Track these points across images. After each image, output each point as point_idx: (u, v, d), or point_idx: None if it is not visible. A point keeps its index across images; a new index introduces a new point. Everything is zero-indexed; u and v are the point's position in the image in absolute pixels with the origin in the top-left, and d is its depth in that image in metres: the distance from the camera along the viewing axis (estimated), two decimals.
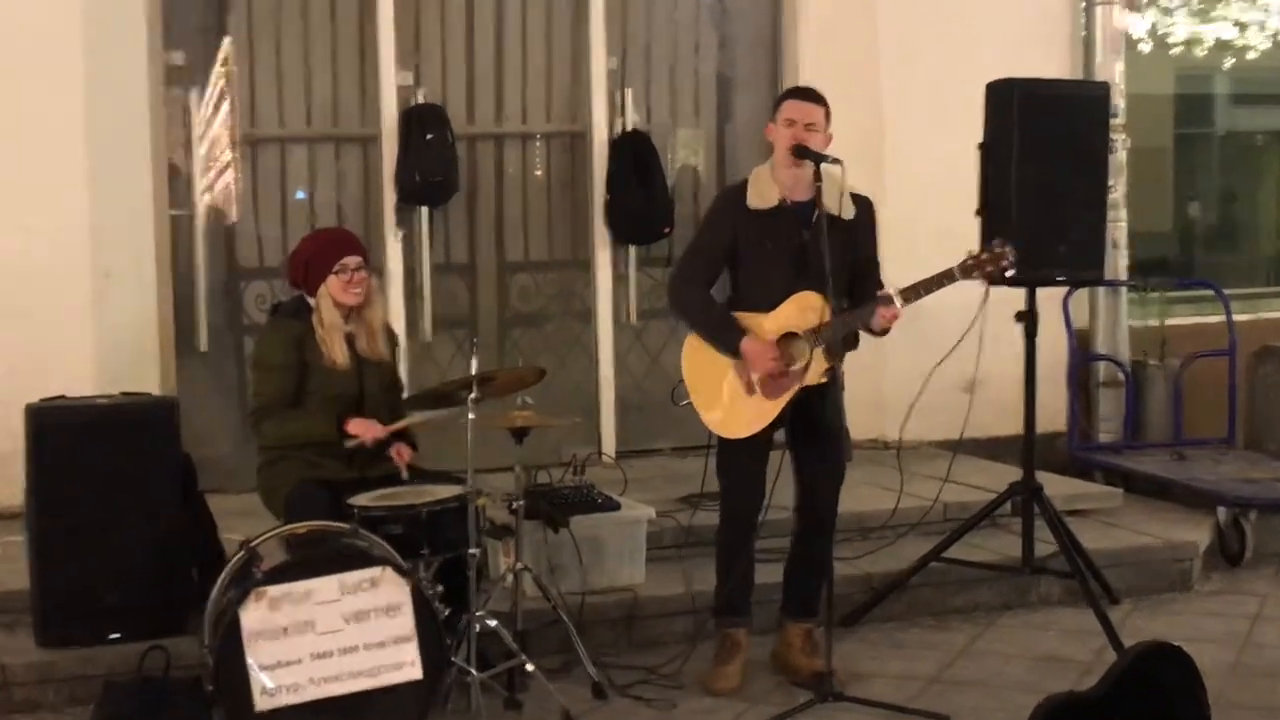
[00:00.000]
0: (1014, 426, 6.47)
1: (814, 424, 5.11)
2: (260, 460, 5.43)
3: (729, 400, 5.18)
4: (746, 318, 5.17)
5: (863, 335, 5.25)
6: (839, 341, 5.04)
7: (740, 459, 5.25)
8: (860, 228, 5.24)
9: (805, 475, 5.29)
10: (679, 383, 5.29)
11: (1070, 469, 7.97)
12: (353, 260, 5.36)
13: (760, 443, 5.22)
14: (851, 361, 5.19)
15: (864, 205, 5.27)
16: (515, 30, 8.14)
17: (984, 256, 5.08)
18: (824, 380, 5.05)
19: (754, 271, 5.18)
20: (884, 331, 5.13)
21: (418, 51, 7.95)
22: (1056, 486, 7.03)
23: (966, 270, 5.07)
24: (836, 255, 4.98)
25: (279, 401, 5.32)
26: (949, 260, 5.09)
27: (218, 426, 7.49)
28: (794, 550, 5.46)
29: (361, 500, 5.08)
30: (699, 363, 5.25)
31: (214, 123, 7.66)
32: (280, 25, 7.74)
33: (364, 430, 5.27)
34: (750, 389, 5.15)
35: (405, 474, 5.33)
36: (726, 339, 5.15)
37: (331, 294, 5.34)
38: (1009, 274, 5.11)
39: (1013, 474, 6.41)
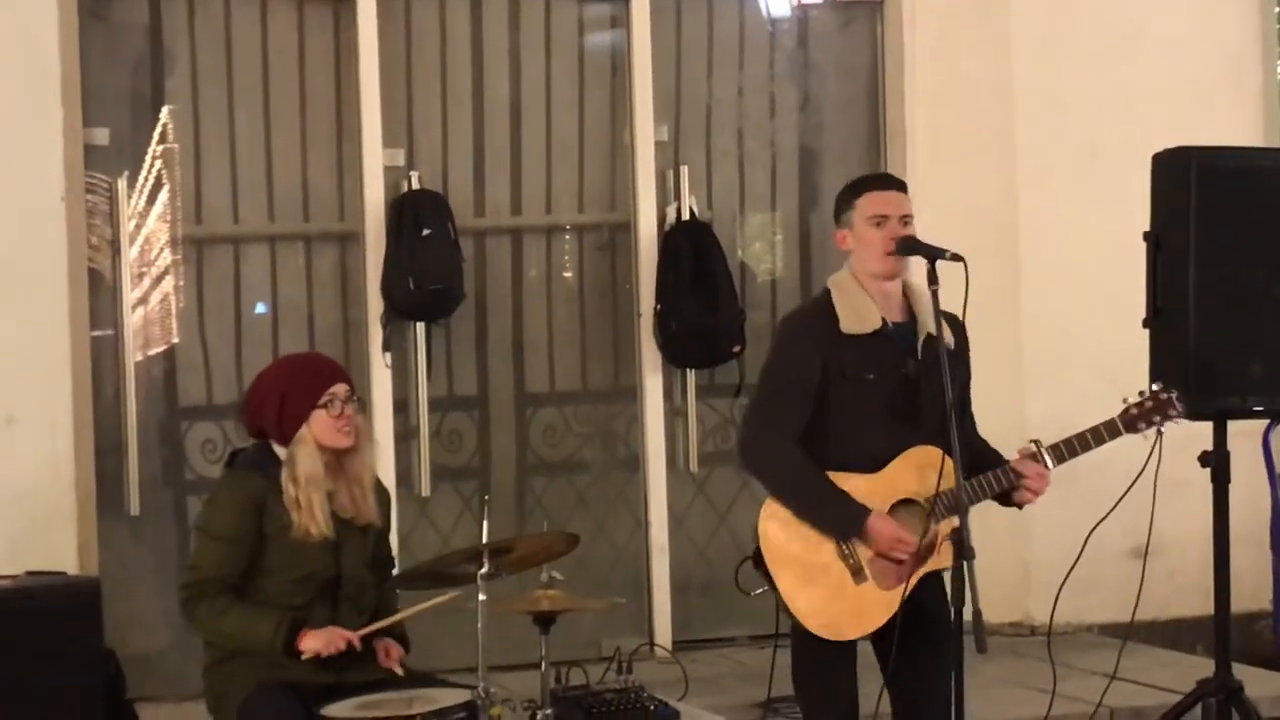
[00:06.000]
0: (1202, 605, 6.41)
1: (925, 614, 5.10)
2: (207, 658, 5.42)
3: (832, 590, 5.15)
4: (840, 480, 5.17)
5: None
6: (968, 512, 5.02)
7: (828, 664, 5.20)
8: (962, 355, 5.31)
9: (905, 681, 5.23)
10: (744, 561, 5.26)
11: (1279, 660, 7.87)
12: (342, 389, 5.41)
13: (848, 640, 5.21)
14: (985, 521, 5.18)
15: (959, 326, 5.33)
16: (536, 95, 8.28)
17: (1147, 405, 5.19)
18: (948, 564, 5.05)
19: (850, 418, 5.18)
20: (1024, 502, 5.20)
21: (410, 124, 8.09)
22: (1261, 684, 6.94)
23: (1130, 422, 5.17)
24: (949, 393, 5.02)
25: (219, 581, 5.31)
26: (1113, 389, 5.15)
27: (153, 614, 7.50)
28: None
29: (339, 711, 5.07)
30: (786, 539, 5.21)
31: (148, 217, 7.79)
32: (233, 92, 7.89)
33: (325, 644, 5.22)
34: (858, 574, 5.13)
35: (400, 670, 5.34)
36: (839, 515, 5.12)
37: (316, 436, 5.37)
38: (1179, 423, 5.26)
39: (1202, 668, 6.33)
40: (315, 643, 5.22)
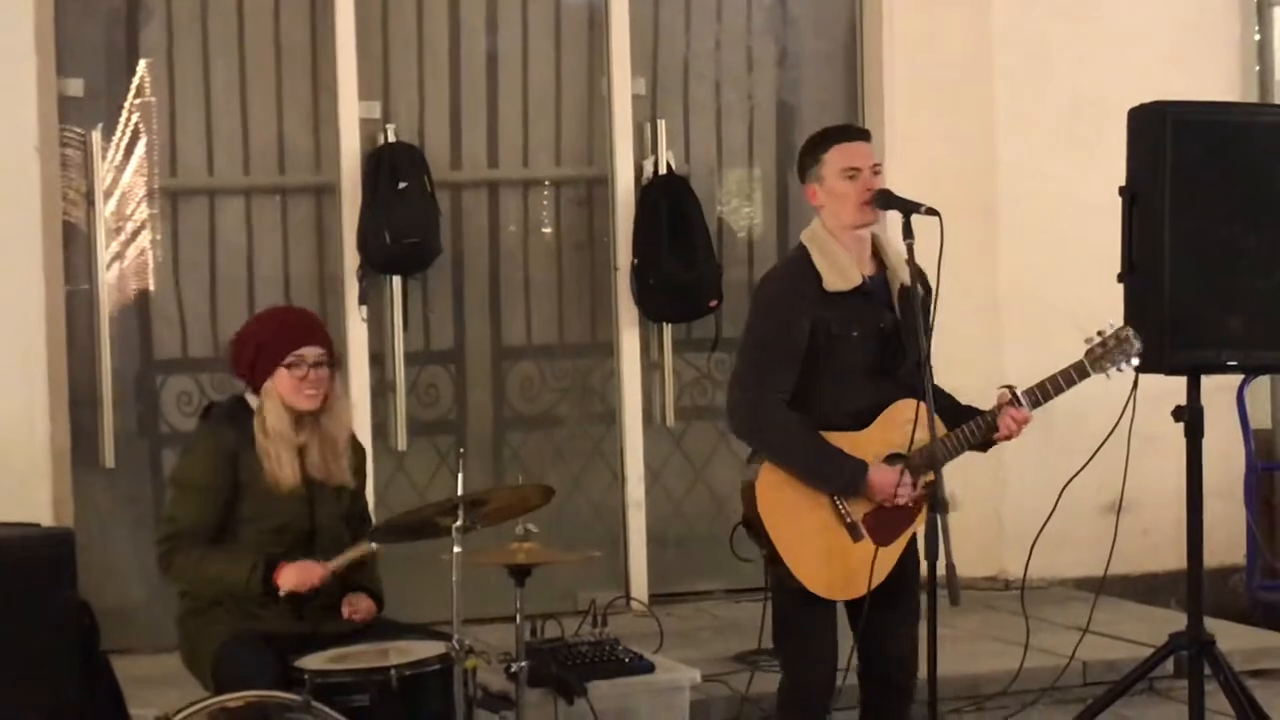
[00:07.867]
0: (1175, 559, 6.43)
1: (899, 566, 5.13)
2: (182, 609, 5.44)
3: (832, 551, 5.15)
4: (831, 439, 5.15)
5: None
6: (942, 465, 5.02)
7: (811, 619, 5.20)
8: (926, 308, 5.29)
9: (870, 626, 5.23)
10: (737, 526, 5.26)
11: (1252, 615, 7.91)
12: (311, 353, 5.38)
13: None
14: (960, 476, 5.19)
15: (924, 278, 5.29)
16: (513, 48, 8.25)
17: (1109, 344, 5.23)
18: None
19: (834, 376, 5.16)
20: (1002, 438, 5.19)
21: (386, 77, 8.06)
22: (1234, 638, 6.97)
23: (1096, 362, 5.17)
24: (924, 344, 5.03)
25: (195, 532, 5.33)
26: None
27: (127, 566, 7.51)
28: None
29: (314, 662, 5.07)
30: (784, 503, 5.17)
31: (124, 171, 7.76)
32: (209, 44, 7.86)
33: (300, 580, 5.26)
34: (854, 532, 5.13)
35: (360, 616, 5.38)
36: (840, 472, 5.10)
37: (280, 393, 5.38)
38: (1134, 363, 5.27)
39: (1175, 622, 6.35)
40: (291, 577, 5.25)
